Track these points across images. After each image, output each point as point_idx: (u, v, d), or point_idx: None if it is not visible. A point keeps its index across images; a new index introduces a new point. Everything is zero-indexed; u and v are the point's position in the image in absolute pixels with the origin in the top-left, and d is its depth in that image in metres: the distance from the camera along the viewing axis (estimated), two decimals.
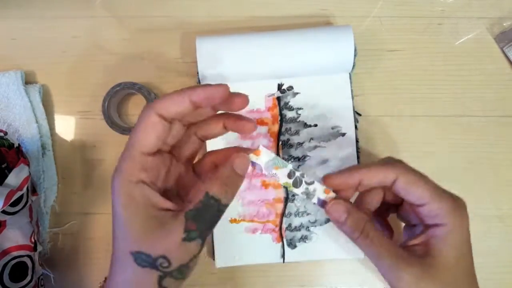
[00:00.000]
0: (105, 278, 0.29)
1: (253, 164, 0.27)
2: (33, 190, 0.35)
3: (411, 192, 0.27)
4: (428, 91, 0.40)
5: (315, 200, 0.29)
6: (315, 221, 0.38)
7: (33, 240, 0.34)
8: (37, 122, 0.38)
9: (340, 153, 0.38)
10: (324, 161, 0.38)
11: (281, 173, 0.28)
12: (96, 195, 0.39)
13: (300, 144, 0.38)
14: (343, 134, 0.38)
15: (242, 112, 0.27)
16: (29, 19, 0.40)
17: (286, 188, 0.38)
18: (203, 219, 0.24)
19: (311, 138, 0.38)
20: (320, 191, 0.29)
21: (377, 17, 0.41)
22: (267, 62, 0.37)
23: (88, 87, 0.40)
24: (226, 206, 0.25)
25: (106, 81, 0.39)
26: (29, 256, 0.33)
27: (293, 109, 0.39)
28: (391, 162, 0.29)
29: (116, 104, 0.39)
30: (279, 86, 0.39)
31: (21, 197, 0.32)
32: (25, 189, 0.32)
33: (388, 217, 0.33)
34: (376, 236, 0.28)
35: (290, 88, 0.39)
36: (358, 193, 0.31)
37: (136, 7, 0.41)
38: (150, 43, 0.40)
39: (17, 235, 0.33)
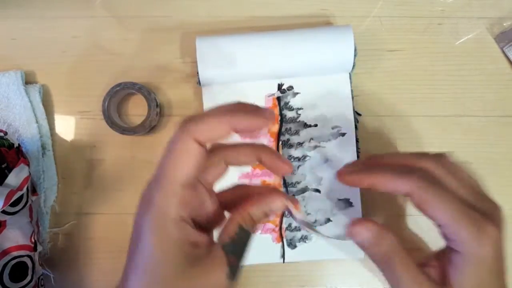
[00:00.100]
0: None
1: (289, 212, 0.26)
2: (33, 190, 0.35)
3: (426, 211, 0.25)
4: (428, 91, 0.40)
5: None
6: (315, 221, 0.38)
7: (33, 240, 0.34)
8: (37, 122, 0.38)
9: (340, 153, 0.38)
10: (324, 161, 0.38)
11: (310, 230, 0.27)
12: (96, 195, 0.39)
13: (300, 144, 0.38)
14: (343, 134, 0.38)
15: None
16: (29, 19, 0.40)
17: (286, 188, 0.38)
18: (240, 252, 0.22)
19: (311, 138, 0.38)
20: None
21: (377, 17, 0.41)
22: (267, 62, 0.37)
23: (88, 87, 0.40)
24: (252, 236, 0.23)
25: (106, 81, 0.39)
26: (29, 256, 0.33)
27: (293, 109, 0.39)
28: (409, 174, 0.26)
29: (116, 104, 0.39)
30: (279, 86, 0.39)
31: (21, 197, 0.32)
32: (25, 189, 0.32)
33: None
34: (400, 261, 0.25)
35: (290, 88, 0.39)
36: None
37: (136, 7, 0.41)
38: (150, 43, 0.40)
39: (17, 235, 0.33)
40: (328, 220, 0.37)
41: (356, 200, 0.37)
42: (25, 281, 0.33)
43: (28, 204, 0.33)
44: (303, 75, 0.38)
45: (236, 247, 0.22)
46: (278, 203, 0.24)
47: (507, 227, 0.38)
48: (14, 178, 0.32)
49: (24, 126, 0.38)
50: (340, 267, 0.38)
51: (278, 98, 0.39)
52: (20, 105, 0.38)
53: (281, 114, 0.39)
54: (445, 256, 0.26)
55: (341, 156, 0.38)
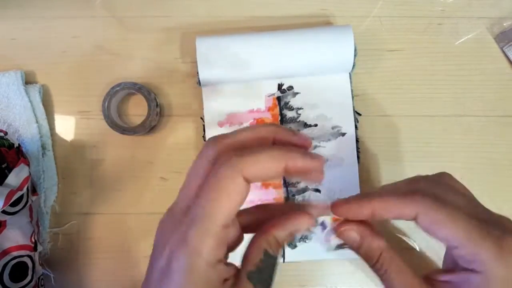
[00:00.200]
0: None
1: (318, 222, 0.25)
2: (33, 190, 0.35)
3: (436, 233, 0.23)
4: (428, 91, 0.40)
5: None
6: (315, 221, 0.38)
7: (33, 240, 0.34)
8: (37, 122, 0.38)
9: (340, 153, 0.38)
10: (324, 161, 0.38)
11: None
12: (96, 195, 0.39)
13: None
14: (343, 134, 0.38)
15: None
16: (29, 19, 0.40)
17: (286, 188, 0.38)
18: (267, 280, 0.21)
19: (311, 138, 0.38)
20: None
21: (377, 17, 0.41)
22: (267, 62, 0.37)
23: (88, 87, 0.40)
24: (277, 262, 0.22)
25: (106, 81, 0.39)
26: (29, 256, 0.33)
27: (293, 109, 0.39)
28: (411, 195, 0.23)
29: (116, 104, 0.39)
30: (279, 86, 0.39)
31: (21, 197, 0.32)
32: (25, 189, 0.32)
33: None
34: (393, 269, 0.24)
35: (290, 88, 0.39)
36: None
37: (136, 7, 0.41)
38: (150, 43, 0.40)
39: (17, 235, 0.33)
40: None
41: None
42: (25, 281, 0.33)
43: (28, 204, 0.33)
44: (303, 75, 0.38)
45: (263, 275, 0.21)
46: (305, 222, 0.22)
47: None
48: (14, 178, 0.32)
49: (24, 126, 0.38)
50: (340, 267, 0.38)
51: (278, 98, 0.39)
52: (20, 105, 0.38)
53: (281, 114, 0.39)
54: (457, 275, 0.23)
55: (341, 156, 0.38)
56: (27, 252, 0.33)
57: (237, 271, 0.21)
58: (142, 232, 0.39)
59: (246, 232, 0.23)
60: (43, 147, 0.38)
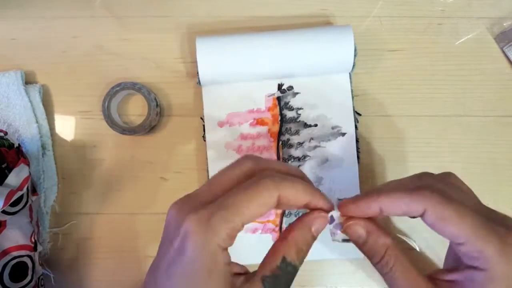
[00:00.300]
0: None
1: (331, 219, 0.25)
2: (33, 190, 0.35)
3: (443, 229, 0.23)
4: (428, 91, 0.40)
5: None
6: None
7: (33, 240, 0.34)
8: (37, 122, 0.38)
9: (340, 153, 0.38)
10: (324, 161, 0.38)
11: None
12: (96, 195, 0.39)
13: (300, 144, 0.38)
14: (343, 134, 0.38)
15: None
16: (29, 19, 0.40)
17: None
18: (281, 287, 0.21)
19: (311, 138, 0.38)
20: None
21: (377, 17, 0.41)
22: (267, 62, 0.37)
23: (88, 87, 0.40)
24: (297, 271, 0.22)
25: (106, 81, 0.39)
26: (29, 256, 0.33)
27: (293, 109, 0.39)
28: (418, 190, 0.23)
29: (116, 104, 0.39)
30: (279, 86, 0.39)
31: (21, 197, 0.32)
32: (25, 189, 0.32)
33: None
34: (398, 268, 0.24)
35: (290, 88, 0.39)
36: None
37: (136, 7, 0.41)
38: (150, 43, 0.40)
39: (17, 235, 0.33)
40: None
41: None
42: (25, 281, 0.33)
43: (28, 204, 0.33)
44: (303, 75, 0.38)
45: (278, 282, 0.21)
46: (320, 220, 0.24)
47: None
48: (14, 178, 0.32)
49: (24, 126, 0.38)
50: (340, 267, 0.38)
51: (278, 98, 0.39)
52: (20, 105, 0.38)
53: (281, 114, 0.39)
54: (461, 274, 0.23)
55: (341, 156, 0.38)
56: (27, 252, 0.33)
57: (251, 273, 0.22)
58: (142, 232, 0.39)
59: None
60: (43, 147, 0.38)
